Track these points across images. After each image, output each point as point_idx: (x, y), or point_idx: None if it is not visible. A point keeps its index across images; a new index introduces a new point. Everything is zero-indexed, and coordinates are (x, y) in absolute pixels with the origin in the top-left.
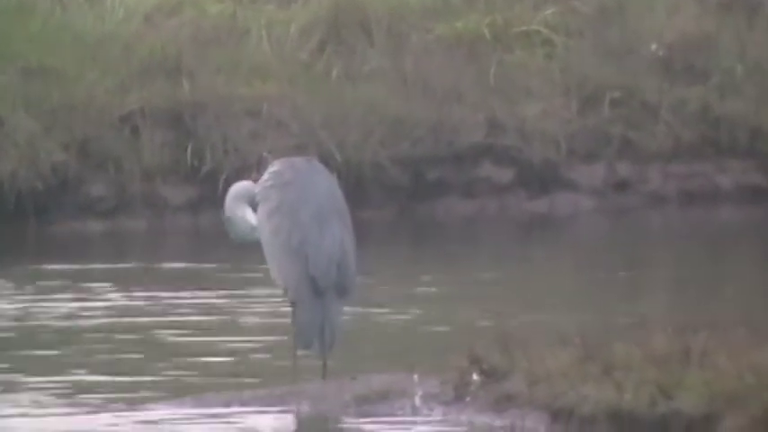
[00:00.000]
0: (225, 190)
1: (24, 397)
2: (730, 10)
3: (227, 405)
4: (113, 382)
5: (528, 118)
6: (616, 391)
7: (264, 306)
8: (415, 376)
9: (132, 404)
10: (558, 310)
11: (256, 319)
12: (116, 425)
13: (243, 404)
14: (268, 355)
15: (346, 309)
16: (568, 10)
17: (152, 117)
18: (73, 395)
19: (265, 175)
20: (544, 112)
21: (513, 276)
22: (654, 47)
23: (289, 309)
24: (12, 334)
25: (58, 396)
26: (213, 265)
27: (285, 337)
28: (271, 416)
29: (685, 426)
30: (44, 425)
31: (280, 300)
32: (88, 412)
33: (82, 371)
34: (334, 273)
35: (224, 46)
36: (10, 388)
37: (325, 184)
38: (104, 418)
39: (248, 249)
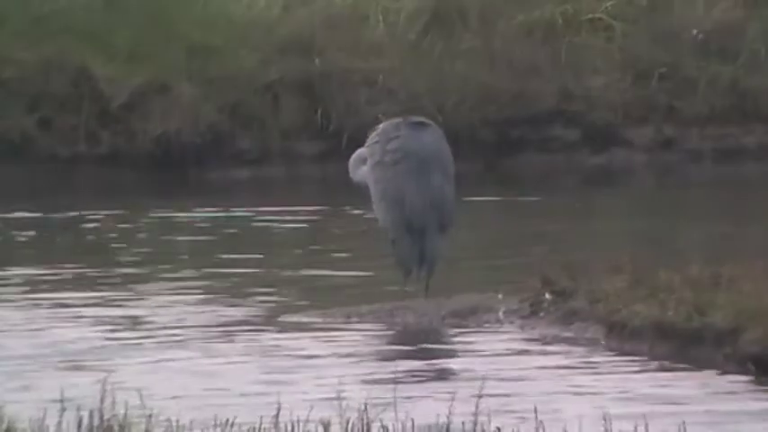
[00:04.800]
0: (348, 145)
1: None
2: (757, 3)
3: (348, 317)
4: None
5: (592, 88)
6: (660, 308)
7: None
8: (500, 296)
9: (276, 316)
10: (614, 245)
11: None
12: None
13: (361, 316)
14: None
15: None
16: (626, 1)
17: (289, 86)
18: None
19: (373, 134)
20: (605, 84)
21: (579, 218)
22: (695, 32)
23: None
24: None
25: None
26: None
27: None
28: (383, 326)
29: (715, 337)
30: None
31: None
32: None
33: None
34: (429, 215)
35: (347, 29)
36: None
37: (431, 140)
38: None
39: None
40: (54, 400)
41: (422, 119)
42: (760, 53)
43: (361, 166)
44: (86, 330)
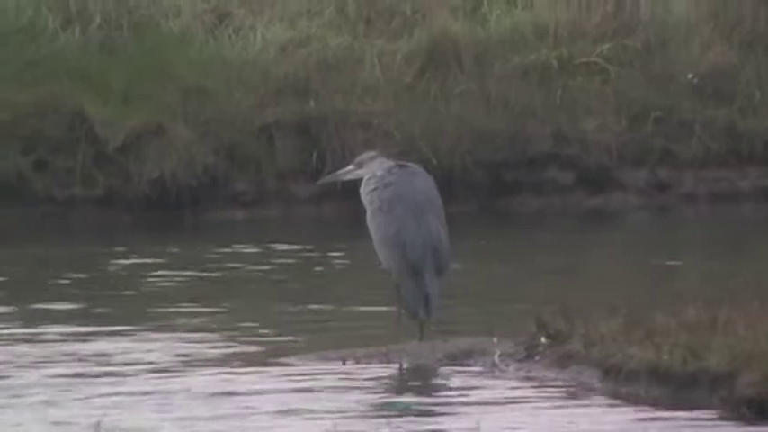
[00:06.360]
0: (343, 187)
1: None
2: (751, 47)
3: (344, 360)
4: (267, 337)
5: (587, 131)
6: (655, 352)
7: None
8: (495, 339)
9: (272, 356)
10: (610, 288)
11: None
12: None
13: (356, 359)
14: (375, 321)
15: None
16: (620, 45)
17: (284, 128)
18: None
19: (370, 180)
20: (600, 126)
21: (574, 260)
22: (690, 75)
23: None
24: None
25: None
26: (337, 248)
27: (387, 308)
28: (378, 368)
29: (711, 381)
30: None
31: (388, 280)
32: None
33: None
34: (430, 256)
35: (343, 71)
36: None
37: (423, 185)
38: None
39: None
40: None
41: (412, 165)
42: (755, 96)
43: (355, 170)
44: (76, 365)
